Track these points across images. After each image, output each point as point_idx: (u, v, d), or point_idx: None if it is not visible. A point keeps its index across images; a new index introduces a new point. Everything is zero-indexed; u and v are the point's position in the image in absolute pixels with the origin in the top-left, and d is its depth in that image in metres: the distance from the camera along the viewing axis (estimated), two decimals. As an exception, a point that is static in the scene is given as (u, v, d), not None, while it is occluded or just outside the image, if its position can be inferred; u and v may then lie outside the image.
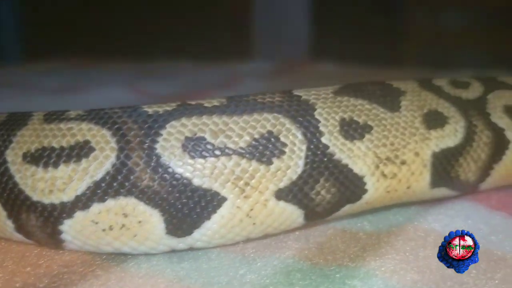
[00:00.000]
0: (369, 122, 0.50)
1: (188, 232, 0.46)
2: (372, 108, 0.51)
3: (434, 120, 0.53)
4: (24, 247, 0.50)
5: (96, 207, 0.45)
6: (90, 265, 0.47)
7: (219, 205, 0.46)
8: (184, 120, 0.46)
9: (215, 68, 1.50)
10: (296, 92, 0.50)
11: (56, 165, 0.45)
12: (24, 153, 0.46)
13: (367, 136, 0.50)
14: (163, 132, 0.45)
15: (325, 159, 0.48)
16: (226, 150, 0.45)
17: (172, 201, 0.45)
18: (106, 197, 0.44)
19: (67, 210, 0.45)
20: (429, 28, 2.24)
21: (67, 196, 0.45)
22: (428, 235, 0.51)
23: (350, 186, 0.49)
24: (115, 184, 0.44)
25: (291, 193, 0.47)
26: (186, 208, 0.45)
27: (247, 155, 0.46)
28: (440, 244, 0.45)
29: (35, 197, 0.45)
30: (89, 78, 1.40)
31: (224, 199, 0.46)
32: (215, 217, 0.46)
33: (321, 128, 0.48)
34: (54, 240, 0.47)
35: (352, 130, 0.49)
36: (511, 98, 0.58)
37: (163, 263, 0.47)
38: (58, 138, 0.45)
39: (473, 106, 0.56)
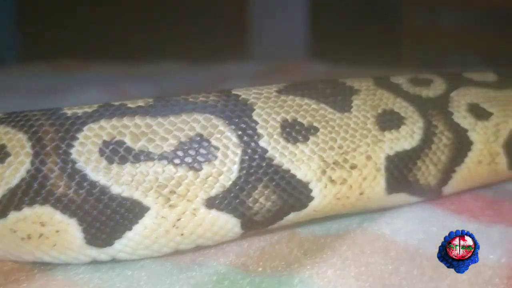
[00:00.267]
0: (315, 124, 0.46)
1: (108, 242, 0.43)
2: (320, 108, 0.47)
3: (389, 121, 0.48)
4: None
5: (13, 215, 0.41)
6: (14, 274, 0.44)
7: (141, 215, 0.42)
8: (103, 123, 0.42)
9: (204, 69, 1.46)
10: (235, 91, 0.46)
11: None
12: None
13: (312, 138, 0.45)
14: (80, 135, 0.41)
15: (264, 164, 0.44)
16: (148, 155, 0.41)
17: (89, 210, 0.41)
18: (22, 206, 0.41)
19: None
20: (425, 28, 2.20)
21: None
22: (377, 240, 0.47)
23: (294, 193, 0.45)
24: (30, 192, 0.41)
25: (224, 201, 0.43)
26: (105, 217, 0.42)
27: (172, 161, 0.42)
28: (387, 249, 0.44)
29: None
30: (71, 80, 1.37)
31: (146, 208, 0.42)
32: (138, 228, 0.42)
33: (259, 130, 0.44)
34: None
35: (295, 132, 0.45)
36: (477, 95, 0.54)
37: (91, 272, 0.44)
38: None
39: (434, 105, 0.51)
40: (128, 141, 0.42)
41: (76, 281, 0.43)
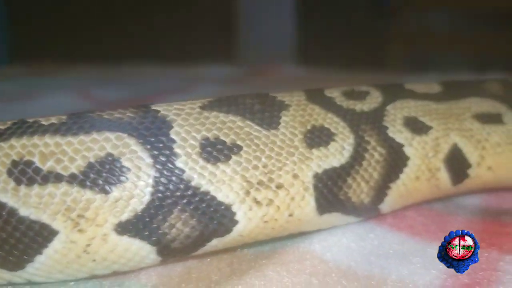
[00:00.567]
0: (239, 142, 0.44)
1: (20, 266, 0.41)
2: (245, 125, 0.45)
3: (318, 138, 0.47)
4: None
5: None
6: None
7: (50, 239, 0.40)
8: (13, 141, 0.40)
9: (179, 72, 1.44)
10: (155, 107, 0.44)
11: None
12: None
13: (235, 157, 0.44)
14: None
15: (181, 186, 0.42)
16: (56, 176, 0.40)
17: None
18: None
19: None
20: (416, 30, 2.17)
21: None
22: (304, 258, 0.45)
23: (215, 216, 0.43)
24: None
25: (135, 227, 0.41)
26: (15, 240, 0.40)
27: (80, 183, 0.40)
28: (316, 268, 0.42)
29: None
30: (47, 83, 1.35)
31: (55, 232, 0.40)
32: (48, 252, 0.40)
33: (176, 150, 0.42)
34: None
35: (216, 151, 0.43)
36: (416, 108, 0.52)
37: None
38: None
39: (367, 119, 0.49)
40: (37, 161, 0.40)
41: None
